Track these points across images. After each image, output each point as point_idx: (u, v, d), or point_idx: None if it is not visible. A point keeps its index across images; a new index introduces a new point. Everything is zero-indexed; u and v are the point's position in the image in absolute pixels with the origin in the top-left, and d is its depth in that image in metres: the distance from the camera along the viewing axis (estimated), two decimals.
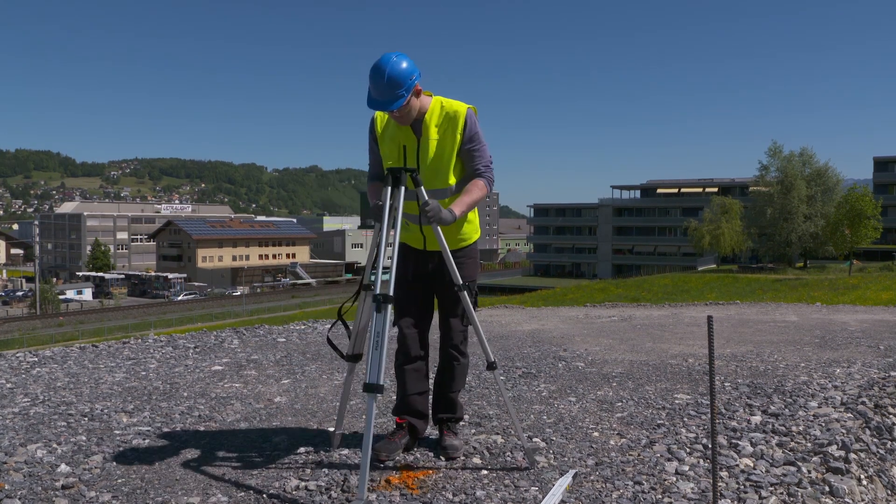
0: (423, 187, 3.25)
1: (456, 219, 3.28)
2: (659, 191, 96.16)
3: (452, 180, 3.40)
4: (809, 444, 3.71)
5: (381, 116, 3.44)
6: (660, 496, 3.02)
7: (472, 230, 3.63)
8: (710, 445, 3.62)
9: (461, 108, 3.34)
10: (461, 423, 3.91)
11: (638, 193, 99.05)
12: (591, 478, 3.23)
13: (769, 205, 60.28)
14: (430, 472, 3.29)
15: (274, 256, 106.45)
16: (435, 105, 3.36)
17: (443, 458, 3.45)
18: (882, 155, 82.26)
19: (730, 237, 63.61)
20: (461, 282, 3.33)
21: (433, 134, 3.34)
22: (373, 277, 3.18)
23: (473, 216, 3.59)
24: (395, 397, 4.69)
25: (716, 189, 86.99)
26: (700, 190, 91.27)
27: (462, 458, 3.48)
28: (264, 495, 3.02)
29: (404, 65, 3.15)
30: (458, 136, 3.33)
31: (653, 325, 9.13)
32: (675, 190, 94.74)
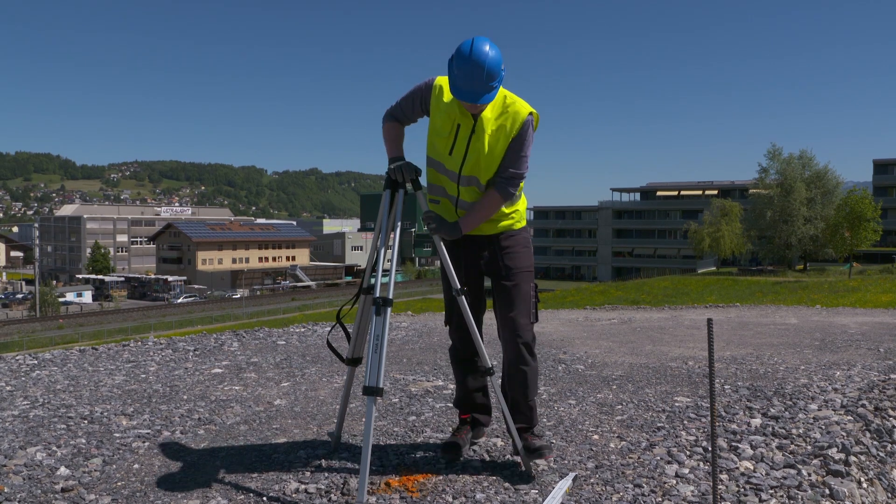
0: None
1: (461, 234, 3.21)
2: (659, 193, 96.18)
3: (491, 175, 3.26)
4: (809, 447, 3.71)
5: (446, 85, 3.19)
6: (660, 499, 3.02)
7: (520, 216, 3.44)
8: (710, 448, 3.62)
9: (524, 109, 3.18)
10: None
11: (638, 196, 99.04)
12: (591, 480, 3.23)
13: (769, 207, 60.30)
14: (430, 475, 3.29)
15: (274, 259, 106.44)
16: (499, 96, 3.18)
17: (537, 461, 3.35)
18: (882, 157, 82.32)
19: (729, 240, 63.63)
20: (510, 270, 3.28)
21: (491, 126, 3.16)
22: (373, 281, 3.18)
23: (521, 203, 3.42)
24: (395, 400, 4.70)
25: (715, 191, 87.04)
26: (700, 192, 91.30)
27: (461, 460, 3.48)
28: (264, 498, 3.02)
29: (496, 54, 2.97)
30: (510, 138, 3.17)
31: (653, 327, 9.13)
32: (675, 192, 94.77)
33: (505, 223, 3.36)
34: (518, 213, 3.41)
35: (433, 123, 3.25)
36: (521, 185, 3.32)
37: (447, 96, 3.18)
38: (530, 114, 3.19)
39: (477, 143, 3.17)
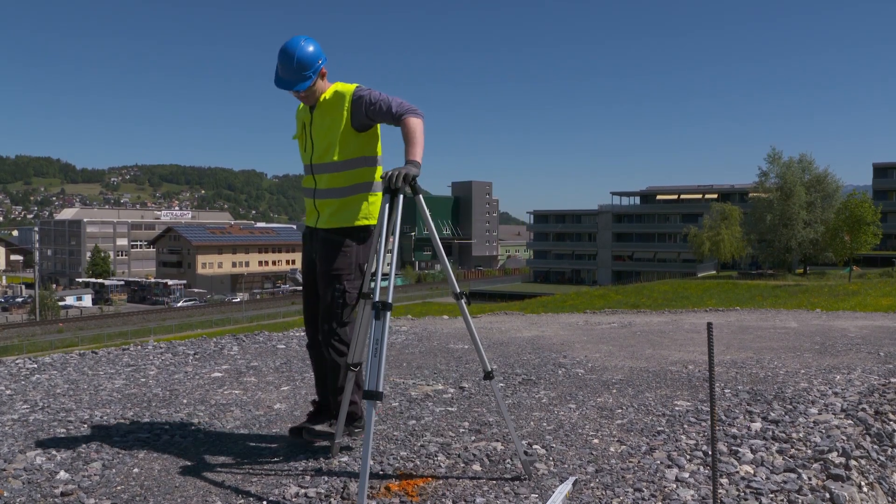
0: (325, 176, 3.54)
1: (419, 164, 3.26)
2: (658, 197, 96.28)
3: (338, 157, 3.51)
4: (810, 451, 3.70)
5: (298, 108, 3.73)
6: (660, 503, 3.02)
7: (354, 213, 3.57)
8: (710, 452, 3.61)
9: (349, 87, 3.54)
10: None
11: (638, 200, 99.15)
12: (591, 485, 3.23)
13: (769, 211, 60.31)
14: (430, 479, 3.29)
15: (274, 263, 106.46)
16: (330, 88, 3.57)
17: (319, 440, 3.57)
18: (881, 161, 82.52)
19: (729, 243, 63.67)
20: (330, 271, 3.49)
21: (324, 111, 3.54)
22: (372, 285, 3.18)
23: (376, 198, 3.59)
24: (395, 404, 4.69)
25: (715, 195, 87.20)
26: (700, 196, 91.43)
27: (462, 465, 3.48)
28: (264, 502, 3.01)
29: (312, 48, 3.42)
30: (346, 113, 3.48)
31: (652, 331, 9.13)
32: (675, 196, 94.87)
33: (325, 219, 3.57)
34: (342, 211, 3.55)
35: (296, 135, 3.76)
36: (371, 174, 3.56)
37: (300, 106, 3.72)
38: (357, 86, 3.54)
39: (316, 129, 3.57)
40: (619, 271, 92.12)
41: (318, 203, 3.59)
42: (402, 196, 3.19)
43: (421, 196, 3.25)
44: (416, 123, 3.38)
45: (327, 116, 3.53)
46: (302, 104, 3.68)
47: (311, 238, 3.68)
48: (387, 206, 3.18)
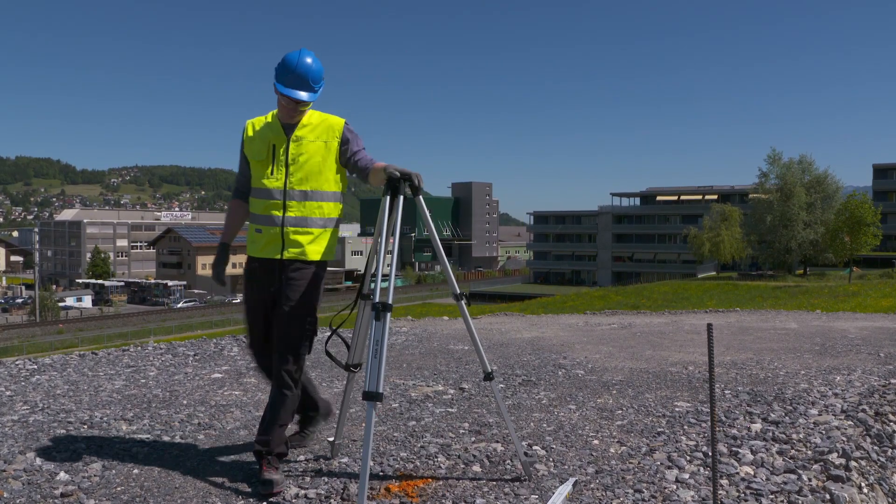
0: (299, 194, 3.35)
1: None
2: (658, 198, 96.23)
3: (336, 187, 3.42)
4: (810, 452, 3.70)
5: (251, 124, 3.46)
6: None
7: (319, 248, 3.43)
8: (710, 453, 3.61)
9: (338, 121, 3.43)
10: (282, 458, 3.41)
11: (638, 201, 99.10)
12: (592, 486, 3.23)
13: (769, 212, 60.27)
14: (430, 480, 3.28)
15: None
16: (312, 113, 3.44)
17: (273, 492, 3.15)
18: (882, 162, 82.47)
19: (729, 244, 63.61)
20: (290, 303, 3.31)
21: (307, 137, 3.37)
22: (372, 285, 3.18)
23: (325, 235, 3.43)
24: (395, 405, 4.69)
25: (715, 196, 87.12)
26: (700, 197, 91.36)
27: (462, 466, 3.48)
28: (264, 503, 3.01)
29: (319, 65, 3.35)
30: (336, 145, 3.38)
31: (653, 332, 9.13)
32: (675, 197, 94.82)
33: (296, 250, 3.36)
34: (317, 243, 3.39)
35: (250, 156, 3.42)
36: (339, 210, 3.46)
37: (258, 125, 3.44)
38: (345, 122, 3.45)
39: (295, 154, 3.35)
40: (619, 272, 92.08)
41: (288, 232, 3.34)
42: (402, 196, 3.19)
43: (421, 197, 3.25)
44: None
45: (312, 143, 3.36)
46: (257, 125, 3.44)
47: (268, 270, 3.38)
48: (387, 206, 3.18)
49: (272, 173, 3.35)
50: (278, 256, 3.36)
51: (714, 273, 71.87)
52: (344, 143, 3.41)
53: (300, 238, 3.35)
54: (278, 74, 3.29)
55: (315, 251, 3.37)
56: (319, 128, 3.40)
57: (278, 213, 3.35)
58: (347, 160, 3.41)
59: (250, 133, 3.43)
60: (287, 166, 3.34)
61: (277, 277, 3.36)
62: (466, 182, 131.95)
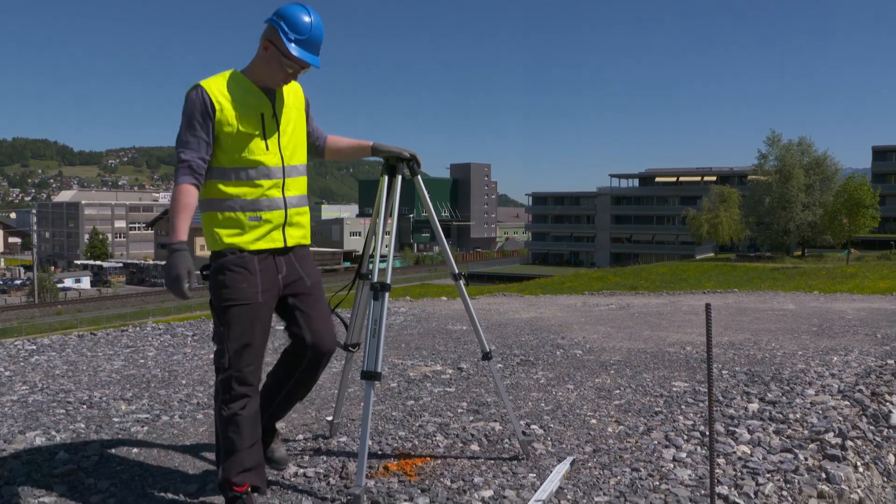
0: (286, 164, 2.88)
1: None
2: (657, 179, 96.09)
3: (305, 160, 2.99)
4: (806, 432, 3.72)
5: (217, 89, 2.73)
6: (657, 483, 3.04)
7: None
8: (707, 433, 3.63)
9: (296, 83, 2.99)
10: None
11: (636, 182, 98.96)
12: (589, 464, 3.24)
13: (767, 194, 60.27)
14: (428, 458, 3.30)
15: None
16: None
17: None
18: (881, 144, 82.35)
19: (728, 226, 63.66)
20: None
21: (286, 104, 2.90)
22: (370, 266, 3.17)
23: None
24: (393, 385, 4.70)
25: (714, 178, 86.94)
26: (698, 179, 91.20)
27: (460, 445, 3.49)
28: None
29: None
30: (305, 112, 3.01)
31: (651, 313, 9.14)
32: (674, 179, 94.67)
33: (300, 234, 2.95)
34: (308, 225, 3.00)
35: (230, 129, 2.72)
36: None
37: (227, 90, 2.75)
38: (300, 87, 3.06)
39: (287, 121, 2.88)
40: (617, 253, 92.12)
41: (291, 215, 2.86)
42: (400, 177, 3.17)
43: (419, 178, 3.24)
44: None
45: (292, 110, 2.92)
46: (227, 90, 2.74)
47: (267, 265, 2.82)
48: (385, 187, 3.17)
49: (268, 148, 2.78)
50: (282, 245, 2.84)
51: (712, 254, 71.96)
52: (307, 108, 3.04)
53: (302, 220, 2.92)
54: (286, 32, 2.69)
55: (309, 234, 3.01)
56: (291, 93, 2.93)
57: (279, 195, 2.81)
58: (311, 130, 3.09)
59: (221, 99, 2.71)
60: (279, 138, 2.83)
61: (275, 270, 2.85)
62: (465, 163, 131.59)
